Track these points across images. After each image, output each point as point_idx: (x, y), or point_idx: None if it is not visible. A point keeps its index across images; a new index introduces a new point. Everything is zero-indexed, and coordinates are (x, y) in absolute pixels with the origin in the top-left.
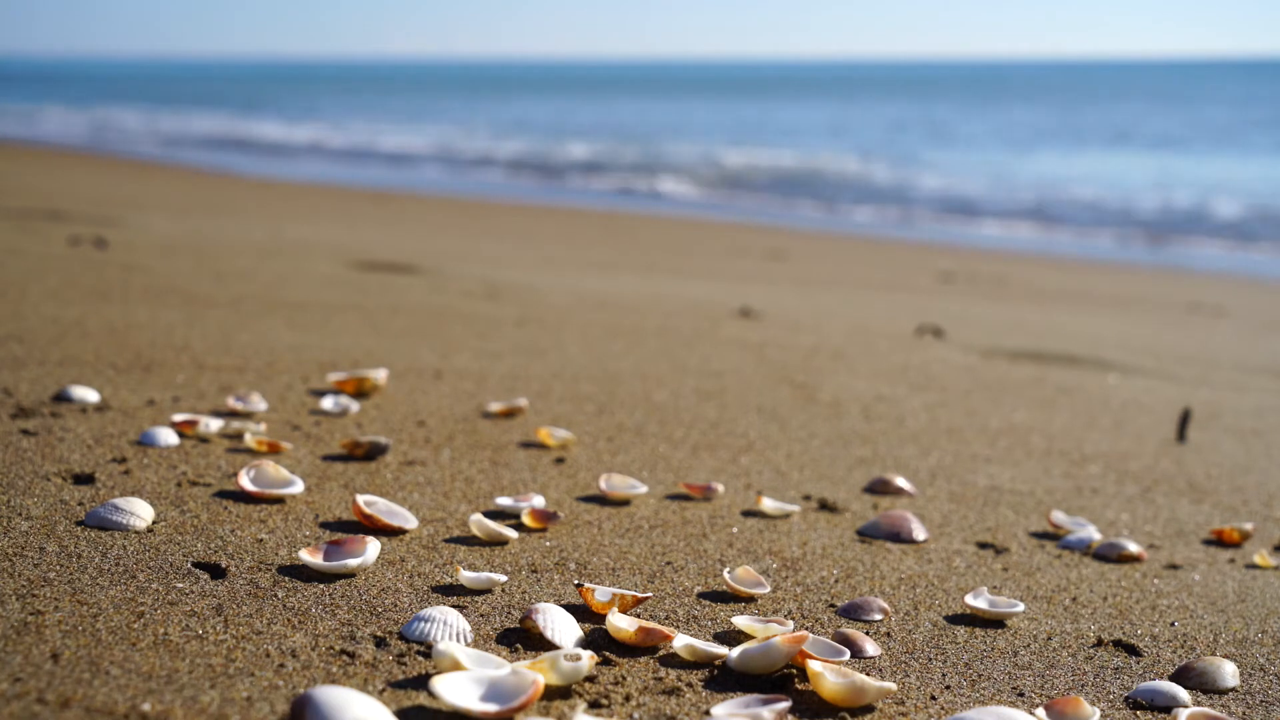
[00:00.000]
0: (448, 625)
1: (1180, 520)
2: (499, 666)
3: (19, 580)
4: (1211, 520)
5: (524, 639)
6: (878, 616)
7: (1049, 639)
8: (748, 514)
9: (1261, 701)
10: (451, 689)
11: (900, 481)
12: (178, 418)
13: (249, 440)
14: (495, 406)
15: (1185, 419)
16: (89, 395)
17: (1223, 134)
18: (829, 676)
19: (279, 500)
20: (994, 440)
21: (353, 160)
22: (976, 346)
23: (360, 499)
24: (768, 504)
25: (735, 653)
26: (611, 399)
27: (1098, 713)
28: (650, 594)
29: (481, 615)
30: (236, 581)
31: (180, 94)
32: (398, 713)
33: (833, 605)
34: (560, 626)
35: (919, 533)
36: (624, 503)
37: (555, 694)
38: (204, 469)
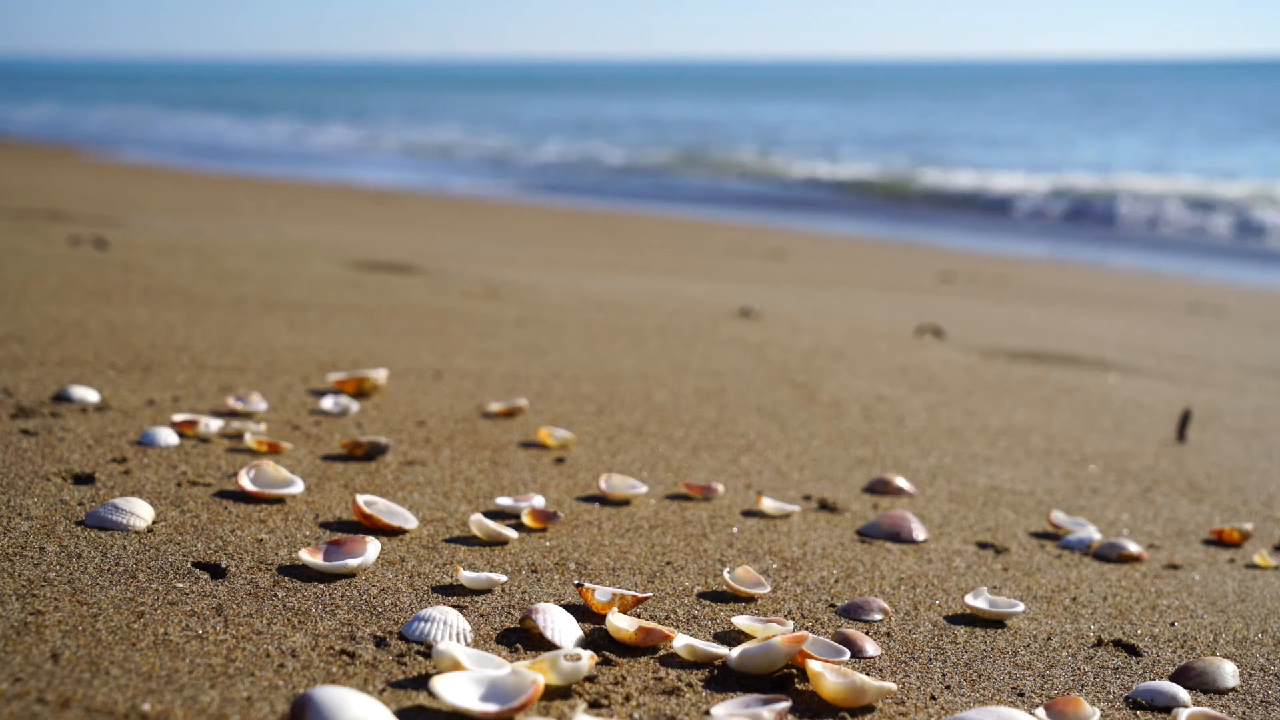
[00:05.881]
0: (448, 625)
1: (1180, 520)
2: (499, 666)
3: (19, 580)
4: (1211, 520)
5: (524, 639)
6: (878, 616)
7: (1049, 639)
8: (748, 514)
9: (1261, 701)
10: (451, 689)
11: (900, 481)
12: (178, 418)
13: (249, 440)
14: (495, 406)
15: (1185, 419)
16: (89, 395)
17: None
18: (829, 676)
19: (279, 500)
20: (994, 440)
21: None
22: (976, 346)
23: (360, 499)
24: (768, 504)
25: (735, 653)
26: (611, 399)
27: (1098, 713)
28: (650, 594)
29: (481, 615)
30: (236, 581)
31: (187, 96)
32: (398, 713)
33: (833, 605)
34: (560, 626)
35: (919, 533)
36: (624, 503)
37: (555, 694)
38: (204, 469)
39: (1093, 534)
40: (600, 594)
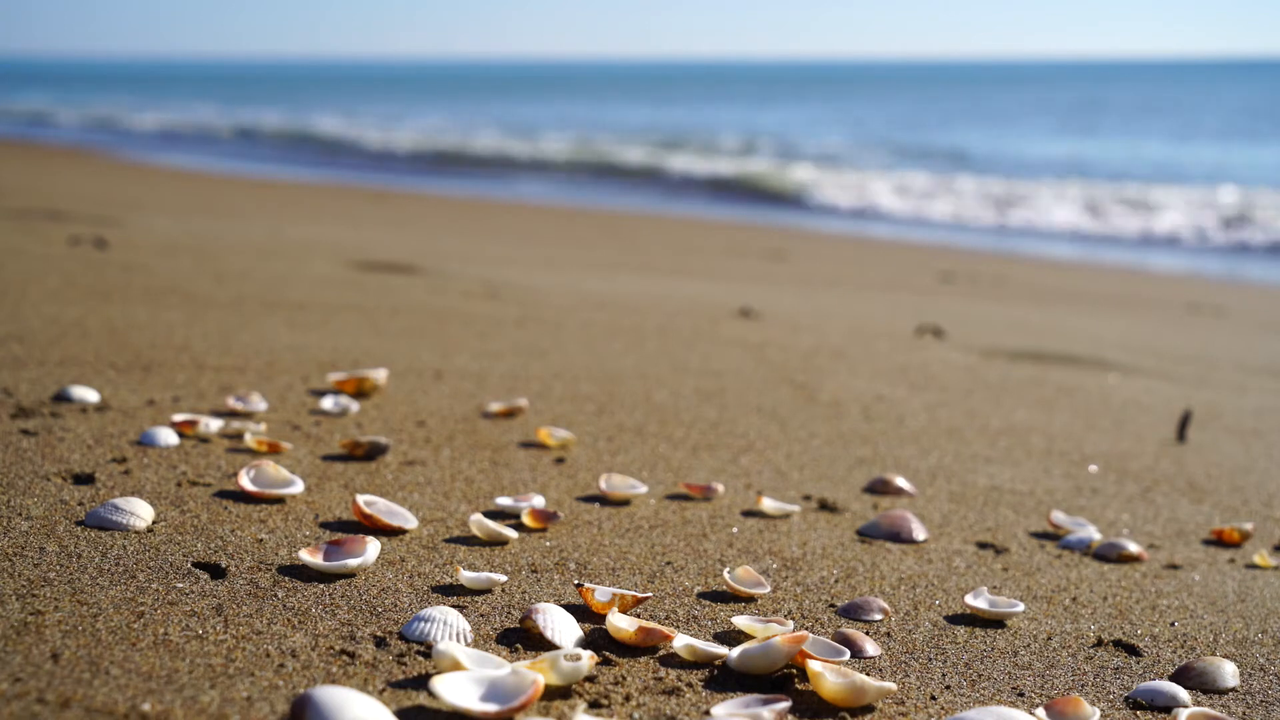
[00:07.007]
0: (448, 625)
1: (1180, 520)
2: (499, 666)
3: (19, 580)
4: (1211, 520)
5: (524, 639)
6: (878, 616)
7: (1049, 639)
8: (748, 514)
9: (1261, 701)
10: (451, 689)
11: (900, 481)
12: (178, 418)
13: (249, 440)
14: (495, 406)
15: (1185, 419)
16: (89, 395)
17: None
18: (829, 676)
19: (279, 500)
20: (994, 440)
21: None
22: (976, 346)
23: (360, 499)
24: (768, 504)
25: (735, 653)
26: (611, 399)
27: (1098, 713)
28: (650, 594)
29: (481, 615)
30: (236, 581)
31: (189, 93)
32: (398, 713)
33: (833, 605)
34: (560, 626)
35: (919, 533)
36: (624, 503)
37: (555, 694)
38: (204, 469)
39: (1093, 534)
40: (600, 594)
